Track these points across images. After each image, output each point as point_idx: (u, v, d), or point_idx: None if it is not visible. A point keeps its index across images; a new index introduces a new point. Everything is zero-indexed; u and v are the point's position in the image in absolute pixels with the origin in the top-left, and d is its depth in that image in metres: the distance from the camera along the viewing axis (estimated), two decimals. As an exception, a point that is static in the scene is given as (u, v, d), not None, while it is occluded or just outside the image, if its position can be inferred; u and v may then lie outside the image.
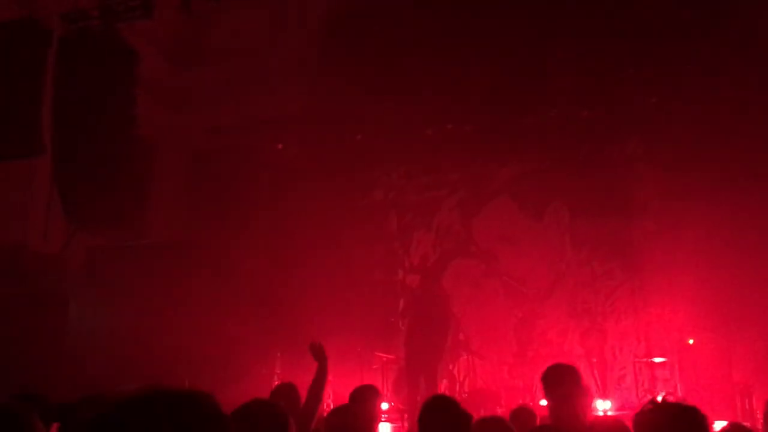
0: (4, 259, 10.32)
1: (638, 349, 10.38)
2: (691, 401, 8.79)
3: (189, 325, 9.88)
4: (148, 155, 12.20)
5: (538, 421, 4.98)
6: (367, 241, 12.46)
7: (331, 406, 4.92)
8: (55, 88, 9.34)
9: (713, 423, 8.06)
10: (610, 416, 8.28)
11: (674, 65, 10.50)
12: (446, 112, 11.81)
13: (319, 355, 5.11)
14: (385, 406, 9.58)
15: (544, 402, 8.46)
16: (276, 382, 9.69)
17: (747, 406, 8.72)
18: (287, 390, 4.99)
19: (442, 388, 10.29)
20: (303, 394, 4.93)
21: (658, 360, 9.72)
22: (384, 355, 10.16)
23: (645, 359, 9.77)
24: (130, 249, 11.36)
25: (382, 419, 8.24)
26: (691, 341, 9.95)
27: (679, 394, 9.25)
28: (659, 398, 2.76)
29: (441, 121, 12.09)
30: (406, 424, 9.11)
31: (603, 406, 9.63)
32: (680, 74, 10.45)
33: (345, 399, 6.48)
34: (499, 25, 11.10)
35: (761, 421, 3.72)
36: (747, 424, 8.38)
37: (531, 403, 9.51)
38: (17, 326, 9.27)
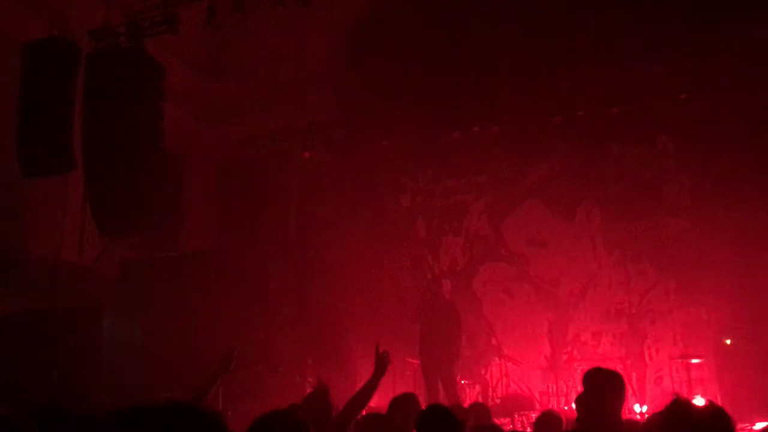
0: (41, 273, 10.52)
1: (674, 350, 10.19)
2: (729, 402, 8.62)
3: (221, 334, 9.95)
4: (177, 167, 12.38)
5: (564, 426, 4.90)
6: (395, 247, 12.45)
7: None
8: (85, 103, 9.51)
9: (755, 424, 7.89)
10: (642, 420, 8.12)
11: (704, 60, 10.33)
12: (472, 114, 11.77)
13: (382, 364, 4.95)
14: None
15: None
16: (308, 390, 9.73)
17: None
18: (321, 396, 4.93)
19: (475, 393, 10.22)
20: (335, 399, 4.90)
21: (695, 361, 9.52)
22: (414, 361, 10.13)
23: (681, 360, 9.58)
24: (163, 260, 11.50)
25: None
26: (728, 341, 9.75)
27: (717, 395, 9.07)
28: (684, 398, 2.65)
29: (467, 124, 12.05)
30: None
31: (640, 410, 9.48)
32: (710, 69, 10.27)
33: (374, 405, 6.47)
34: (525, 25, 11.03)
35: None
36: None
37: (566, 407, 9.42)
38: (53, 338, 9.43)
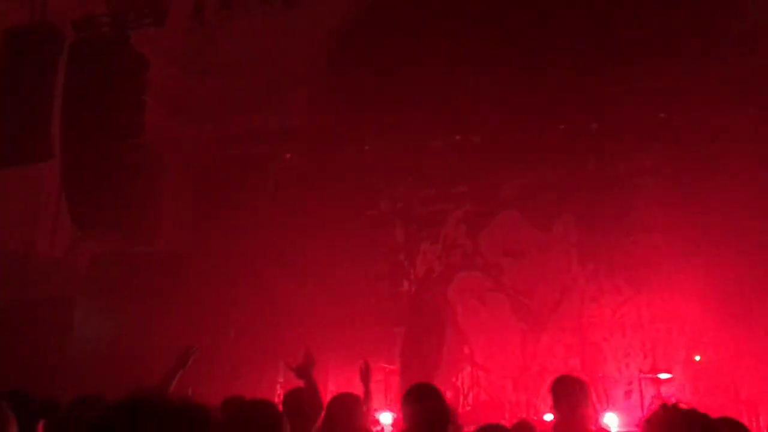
0: (12, 263, 10.35)
1: (644, 364, 10.28)
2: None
3: (192, 332, 9.85)
4: (155, 163, 12.24)
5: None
6: (372, 253, 12.43)
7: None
8: (64, 94, 9.39)
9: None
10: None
11: (683, 80, 10.49)
12: (454, 123, 11.83)
13: (365, 378, 5.16)
14: (389, 417, 9.52)
15: (548, 416, 8.42)
16: (279, 391, 9.66)
17: (754, 424, 8.61)
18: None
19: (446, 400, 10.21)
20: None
21: (664, 376, 9.62)
22: (388, 366, 10.11)
23: (651, 375, 9.67)
24: (135, 256, 11.37)
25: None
26: (697, 358, 9.87)
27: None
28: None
29: (449, 133, 12.09)
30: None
31: (609, 422, 9.54)
32: (689, 89, 10.43)
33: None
34: (507, 38, 11.14)
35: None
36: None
37: (535, 417, 9.45)
38: (23, 329, 9.28)
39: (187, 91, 13.34)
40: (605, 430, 8.62)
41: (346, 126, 12.42)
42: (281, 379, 10.61)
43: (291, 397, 4.34)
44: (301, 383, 4.65)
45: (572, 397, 4.05)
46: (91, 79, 9.36)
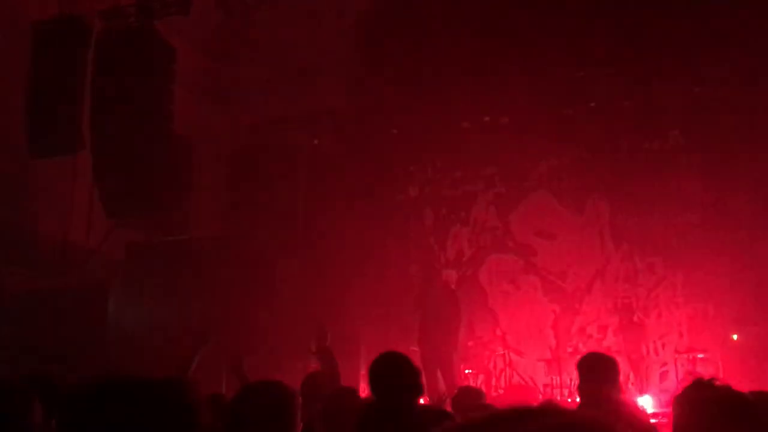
0: (48, 252, 10.57)
1: (680, 344, 10.13)
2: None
3: (226, 319, 9.97)
4: (186, 151, 12.37)
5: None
6: (402, 236, 12.41)
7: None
8: (94, 84, 9.52)
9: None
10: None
11: (716, 53, 10.21)
12: (483, 104, 11.69)
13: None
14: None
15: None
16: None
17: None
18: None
19: (478, 383, 10.19)
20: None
21: (700, 356, 9.46)
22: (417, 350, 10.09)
23: (687, 355, 9.52)
24: (169, 243, 11.53)
25: None
26: (734, 336, 9.68)
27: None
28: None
29: (477, 113, 11.96)
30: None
31: (643, 403, 9.42)
32: (723, 64, 10.15)
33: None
34: (537, 16, 10.95)
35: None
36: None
37: (569, 399, 9.37)
38: (59, 318, 9.48)
39: (216, 79, 13.42)
40: (641, 410, 8.52)
41: (373, 111, 12.37)
42: (314, 365, 10.68)
43: (308, 379, 4.38)
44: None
45: (598, 375, 3.98)
46: (120, 70, 9.47)
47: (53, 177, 10.67)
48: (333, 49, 12.77)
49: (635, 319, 10.54)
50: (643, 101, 11.09)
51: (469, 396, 5.37)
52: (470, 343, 10.63)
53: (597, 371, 3.98)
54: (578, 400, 4.20)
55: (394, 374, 3.27)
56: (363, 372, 10.07)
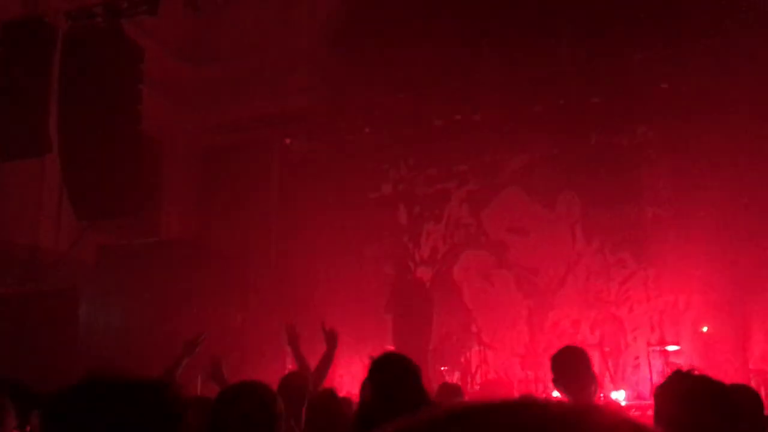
0: (17, 257, 10.38)
1: (652, 337, 10.28)
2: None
3: (199, 321, 9.87)
4: (157, 152, 12.25)
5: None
6: (376, 235, 12.42)
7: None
8: (61, 85, 9.35)
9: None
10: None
11: (685, 49, 10.36)
12: (454, 102, 11.74)
13: (332, 341, 5.27)
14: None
15: (555, 393, 8.42)
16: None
17: (763, 394, 8.59)
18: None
19: (454, 380, 10.23)
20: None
21: (672, 348, 9.61)
22: (391, 348, 10.12)
23: (659, 347, 9.66)
24: (140, 246, 11.38)
25: None
26: (705, 329, 9.85)
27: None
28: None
29: (449, 112, 12.00)
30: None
31: (617, 396, 9.55)
32: (691, 58, 10.31)
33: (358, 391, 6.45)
34: (506, 13, 11.02)
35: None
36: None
37: (544, 394, 9.46)
38: (29, 323, 9.31)
39: (185, 79, 13.28)
40: (614, 401, 8.64)
41: (345, 109, 12.36)
42: (289, 366, 10.64)
43: (283, 380, 4.40)
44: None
45: (573, 369, 4.01)
46: (87, 70, 9.31)
47: (21, 180, 10.48)
48: (304, 48, 12.74)
49: (607, 313, 10.68)
50: (612, 97, 11.21)
51: (449, 393, 5.41)
52: (446, 341, 10.67)
53: (572, 365, 4.02)
54: (555, 394, 4.24)
55: (399, 376, 3.24)
56: (340, 372, 10.06)
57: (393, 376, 3.22)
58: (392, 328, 9.63)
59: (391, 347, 10.18)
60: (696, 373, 2.69)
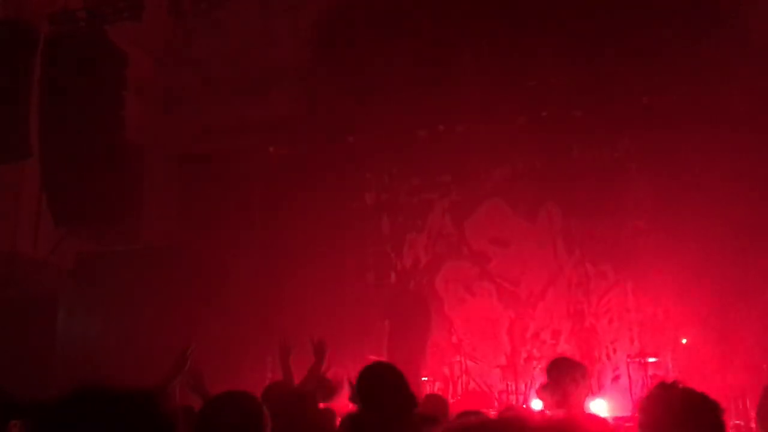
0: (-7, 264, 10.23)
1: (631, 349, 10.34)
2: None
3: (180, 329, 9.78)
4: (137, 158, 12.13)
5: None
6: (359, 244, 12.38)
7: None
8: (41, 90, 9.26)
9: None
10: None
11: (666, 65, 10.48)
12: (438, 113, 11.77)
13: (320, 353, 5.23)
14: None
15: (536, 403, 8.43)
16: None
17: (741, 406, 8.67)
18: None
19: (435, 389, 10.23)
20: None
21: (651, 360, 9.67)
22: (376, 358, 10.08)
23: (638, 359, 9.72)
24: (121, 253, 11.27)
25: None
26: (684, 341, 9.93)
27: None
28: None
29: (432, 123, 12.04)
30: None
31: (597, 408, 9.57)
32: (672, 74, 10.44)
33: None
34: (490, 26, 11.10)
35: (755, 421, 3.69)
36: (741, 423, 8.37)
37: (524, 405, 9.48)
38: (7, 330, 9.17)
39: (168, 85, 13.21)
40: (595, 415, 8.64)
41: (329, 117, 12.34)
42: (270, 374, 10.57)
43: (265, 390, 4.36)
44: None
45: (568, 380, 4.02)
46: (69, 75, 9.24)
47: (-1, 185, 10.35)
48: (287, 56, 12.71)
49: (587, 324, 10.74)
50: (594, 110, 11.31)
51: (435, 404, 5.39)
52: (427, 351, 10.67)
53: (566, 376, 4.02)
54: (535, 405, 4.25)
55: (386, 385, 3.24)
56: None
57: (381, 384, 3.22)
58: (389, 336, 9.61)
59: (373, 357, 10.15)
60: (680, 385, 2.72)
